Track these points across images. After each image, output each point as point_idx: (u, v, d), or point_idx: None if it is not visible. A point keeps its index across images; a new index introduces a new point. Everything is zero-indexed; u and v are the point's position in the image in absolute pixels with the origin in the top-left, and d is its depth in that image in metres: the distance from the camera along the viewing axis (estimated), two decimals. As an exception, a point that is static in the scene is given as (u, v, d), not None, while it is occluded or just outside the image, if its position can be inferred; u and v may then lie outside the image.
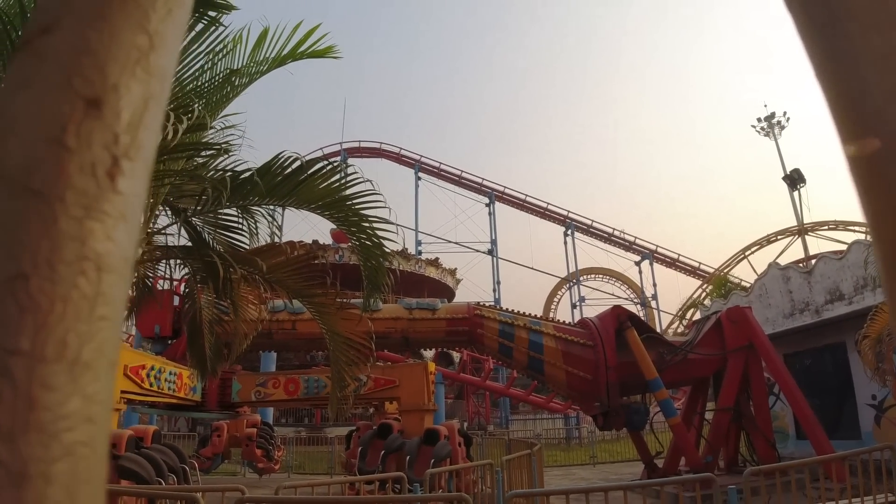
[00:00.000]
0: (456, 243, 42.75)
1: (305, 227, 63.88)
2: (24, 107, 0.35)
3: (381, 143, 47.13)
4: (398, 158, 46.28)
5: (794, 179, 33.46)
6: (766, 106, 56.01)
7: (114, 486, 6.92)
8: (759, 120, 39.87)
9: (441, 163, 45.56)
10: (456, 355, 32.82)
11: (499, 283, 41.67)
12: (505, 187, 45.12)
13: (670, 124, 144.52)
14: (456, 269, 42.04)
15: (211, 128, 4.56)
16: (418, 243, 41.84)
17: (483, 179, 45.09)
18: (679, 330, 40.46)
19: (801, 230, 34.47)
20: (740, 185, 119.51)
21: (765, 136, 39.51)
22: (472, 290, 59.75)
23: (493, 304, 29.03)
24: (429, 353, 27.40)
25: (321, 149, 44.18)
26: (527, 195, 45.22)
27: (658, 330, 24.46)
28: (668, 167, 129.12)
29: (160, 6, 0.40)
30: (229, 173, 5.19)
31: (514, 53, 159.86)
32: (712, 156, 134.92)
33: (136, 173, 0.39)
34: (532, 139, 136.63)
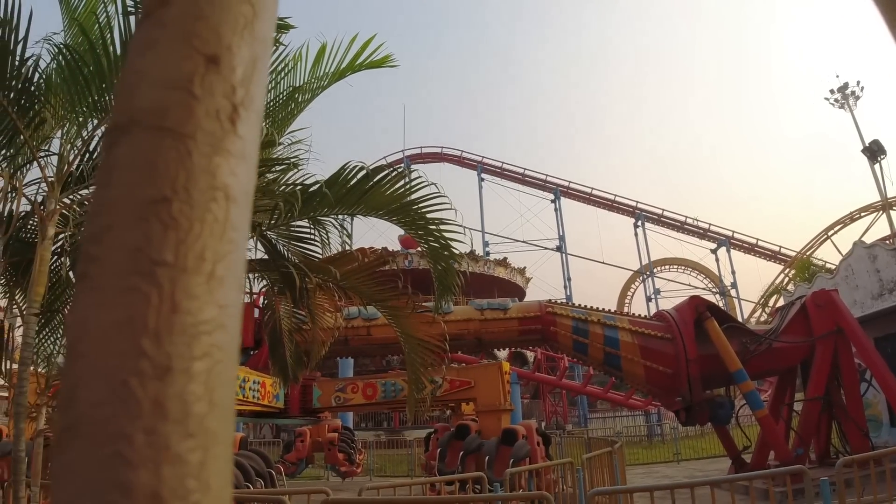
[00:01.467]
0: (523, 242, 42.53)
1: (374, 234, 65.15)
2: (152, 62, 0.41)
3: (442, 147, 47.45)
4: (460, 161, 46.45)
5: (874, 152, 31.40)
6: (837, 76, 52.70)
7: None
8: (831, 92, 37.73)
9: (503, 162, 45.47)
10: (530, 355, 32.63)
11: (569, 279, 41.16)
12: (570, 182, 44.56)
13: (740, 105, 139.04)
14: (525, 267, 41.77)
15: (279, 144, 4.73)
16: (486, 244, 41.85)
17: (547, 176, 44.68)
18: (762, 318, 38.82)
19: (885, 205, 32.30)
20: (818, 162, 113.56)
21: (839, 108, 37.34)
22: (542, 288, 59.39)
23: (564, 301, 28.72)
24: (502, 354, 27.33)
25: (384, 157, 44.92)
26: (593, 188, 44.51)
27: (739, 319, 23.52)
28: (741, 149, 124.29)
29: None
30: (299, 187, 5.37)
31: (568, 46, 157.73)
32: (786, 133, 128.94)
33: (251, 121, 0.44)
34: (595, 132, 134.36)
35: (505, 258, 39.74)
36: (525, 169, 45.04)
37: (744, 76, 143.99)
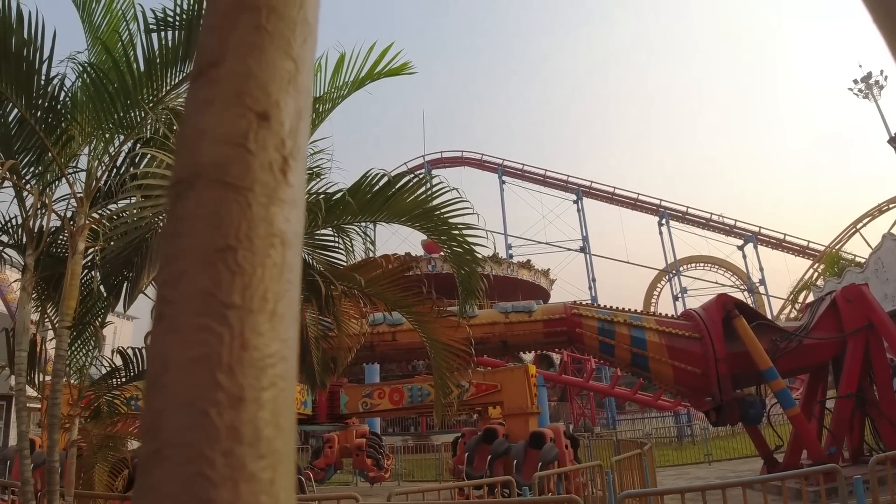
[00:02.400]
0: (546, 244, 42.35)
1: (397, 240, 65.27)
2: (210, 120, 0.46)
3: (463, 150, 47.48)
4: (480, 164, 46.44)
5: (901, 142, 30.69)
6: (860, 66, 51.52)
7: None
8: (855, 82, 36.96)
9: (524, 164, 45.34)
10: (556, 357, 32.45)
11: (594, 280, 40.88)
12: (592, 182, 44.25)
13: (764, 100, 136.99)
14: (549, 269, 41.56)
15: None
16: (508, 247, 41.76)
17: (568, 176, 44.45)
18: (791, 315, 38.14)
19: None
20: (845, 154, 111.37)
21: (863, 98, 36.58)
22: (566, 289, 58.99)
23: (589, 302, 28.52)
24: (528, 356, 27.22)
25: (405, 163, 45.10)
26: (615, 188, 44.14)
27: (769, 316, 23.14)
28: (765, 143, 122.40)
29: (298, 36, 0.51)
30: (322, 195, 5.43)
31: (587, 48, 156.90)
32: (810, 126, 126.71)
33: (299, 169, 0.49)
34: (616, 132, 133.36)
35: (528, 260, 39.60)
36: (546, 170, 44.89)
37: (767, 71, 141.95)
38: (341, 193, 4.84)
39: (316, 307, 5.42)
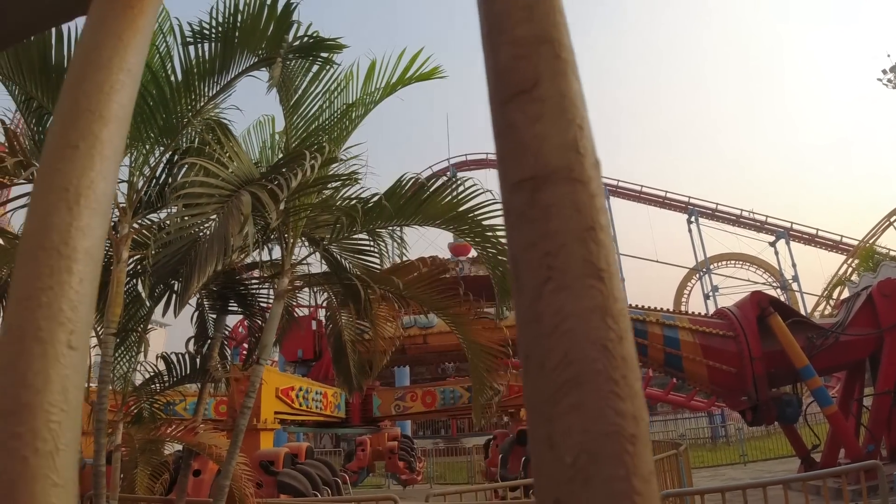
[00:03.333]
0: (574, 244, 42.05)
1: (424, 243, 65.28)
2: (545, 130, 0.58)
3: (487, 153, 47.46)
4: (506, 165, 46.28)
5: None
6: (889, 56, 50.09)
7: (274, 500, 7.44)
8: (884, 72, 36.06)
9: (550, 164, 45.04)
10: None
11: (623, 280, 40.30)
12: (619, 181, 43.87)
13: (793, 94, 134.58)
14: (576, 270, 41.20)
15: (339, 160, 4.86)
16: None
17: (595, 176, 44.07)
18: (826, 311, 37.33)
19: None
20: (876, 147, 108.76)
21: (893, 88, 35.68)
22: (594, 289, 58.36)
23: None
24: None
25: (430, 167, 45.23)
26: (643, 186, 43.68)
27: (803, 314, 22.70)
28: (793, 136, 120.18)
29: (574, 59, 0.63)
30: (354, 200, 5.50)
31: (610, 42, 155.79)
32: (839, 118, 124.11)
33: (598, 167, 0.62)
34: (641, 128, 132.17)
35: (555, 261, 39.33)
36: (572, 170, 44.54)
37: (797, 66, 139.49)
38: (377, 197, 4.90)
39: (352, 311, 5.48)
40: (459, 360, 17.03)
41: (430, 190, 4.98)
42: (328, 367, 16.18)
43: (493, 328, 5.45)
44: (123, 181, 5.73)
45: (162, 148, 5.55)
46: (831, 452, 12.53)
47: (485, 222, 5.28)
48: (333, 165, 4.86)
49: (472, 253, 33.90)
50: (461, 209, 5.17)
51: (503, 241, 5.40)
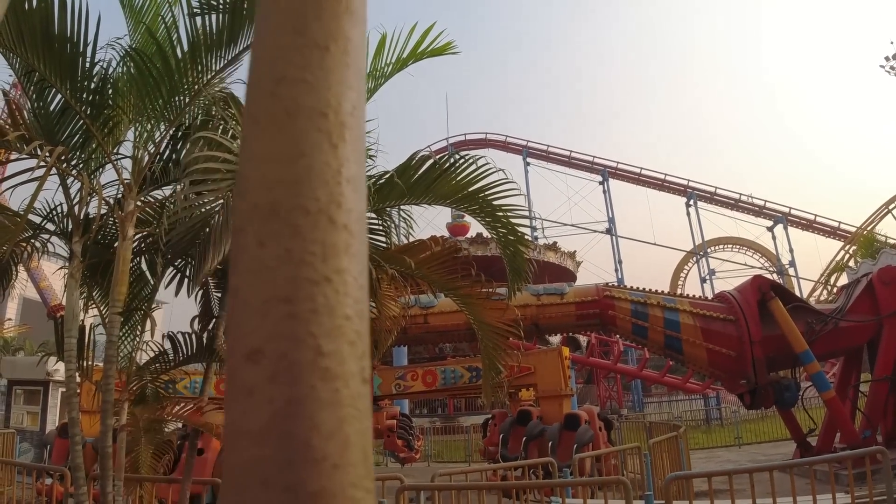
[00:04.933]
0: (572, 225, 42.05)
1: (422, 223, 65.07)
2: None
3: (487, 132, 47.20)
4: (505, 146, 46.13)
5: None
6: (892, 42, 49.78)
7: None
8: (886, 59, 35.81)
9: (549, 146, 44.92)
10: (583, 339, 32.33)
11: (620, 262, 40.54)
12: (618, 163, 43.74)
13: (789, 73, 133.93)
14: (575, 251, 41.28)
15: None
16: (534, 229, 41.52)
17: (594, 157, 43.96)
18: (822, 297, 37.49)
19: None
20: (875, 132, 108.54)
21: (895, 75, 35.45)
22: (592, 271, 58.57)
23: (615, 284, 28.28)
24: (555, 339, 27.16)
25: (428, 146, 44.91)
26: (642, 168, 43.56)
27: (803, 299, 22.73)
28: (794, 120, 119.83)
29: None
30: (370, 178, 5.40)
31: (609, 24, 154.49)
32: (839, 104, 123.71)
33: None
34: (641, 111, 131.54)
35: (555, 242, 39.35)
36: (571, 151, 44.44)
37: (798, 46, 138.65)
38: (389, 175, 4.81)
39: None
40: (458, 340, 17.04)
41: (442, 168, 4.89)
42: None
43: (505, 308, 5.40)
44: (126, 157, 5.62)
45: (166, 122, 5.44)
46: (827, 437, 12.63)
47: (496, 202, 5.20)
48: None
49: (471, 233, 33.79)
50: (472, 188, 5.09)
51: (514, 221, 5.33)
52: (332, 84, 0.58)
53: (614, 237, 41.20)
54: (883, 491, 5.52)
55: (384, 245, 5.52)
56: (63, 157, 5.24)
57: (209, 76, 5.22)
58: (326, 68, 0.57)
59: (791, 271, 42.11)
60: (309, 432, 0.51)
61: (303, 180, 0.56)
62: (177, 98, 5.30)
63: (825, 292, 38.95)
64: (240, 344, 0.55)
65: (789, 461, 9.10)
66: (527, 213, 5.25)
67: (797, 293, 38.23)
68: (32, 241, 5.97)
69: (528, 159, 44.55)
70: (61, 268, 6.01)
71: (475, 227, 35.92)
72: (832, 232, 42.11)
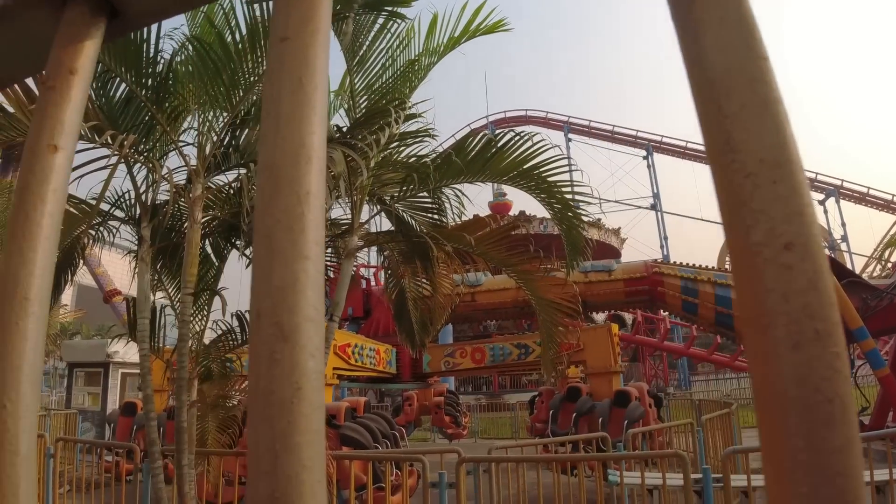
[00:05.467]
0: (616, 202, 41.46)
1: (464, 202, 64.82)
2: None
3: (527, 109, 46.72)
4: (545, 123, 45.59)
5: None
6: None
7: (340, 452, 7.67)
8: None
9: (591, 120, 44.21)
10: (629, 317, 32.03)
11: (666, 238, 39.86)
12: (662, 136, 42.79)
13: (847, 44, 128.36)
14: (619, 228, 40.73)
15: (416, 116, 4.83)
16: (577, 206, 41.03)
17: (638, 132, 43.12)
18: (876, 273, 36.25)
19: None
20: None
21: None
22: (638, 248, 57.80)
23: (661, 260, 27.86)
24: (600, 317, 26.98)
25: (468, 124, 44.74)
26: (687, 141, 42.52)
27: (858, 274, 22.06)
28: (846, 91, 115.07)
29: None
30: (413, 158, 5.48)
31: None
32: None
33: None
34: (685, 83, 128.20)
35: (598, 219, 38.87)
36: (614, 126, 43.66)
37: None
38: (447, 153, 4.88)
39: (418, 268, 5.53)
40: (504, 317, 17.09)
41: (498, 146, 4.93)
42: (378, 324, 16.44)
43: (563, 283, 5.45)
44: (189, 143, 5.81)
45: (227, 109, 5.58)
46: (881, 415, 12.37)
47: (550, 178, 5.22)
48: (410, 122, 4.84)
49: (513, 211, 33.46)
50: (527, 165, 5.11)
51: (568, 196, 5.34)
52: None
53: (659, 213, 40.50)
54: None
55: (442, 223, 5.59)
56: (133, 146, 5.46)
57: (267, 63, 5.34)
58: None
59: (843, 246, 40.76)
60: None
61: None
62: (236, 84, 5.43)
63: (879, 268, 37.62)
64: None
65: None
66: (587, 189, 5.25)
67: (851, 268, 37.13)
68: (100, 227, 6.25)
69: (570, 135, 43.97)
70: (129, 252, 6.28)
71: (518, 205, 35.81)
72: (886, 205, 40.53)
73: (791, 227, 0.27)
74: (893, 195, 40.26)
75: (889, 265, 33.35)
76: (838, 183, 41.32)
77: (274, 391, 0.29)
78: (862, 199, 41.28)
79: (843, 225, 41.03)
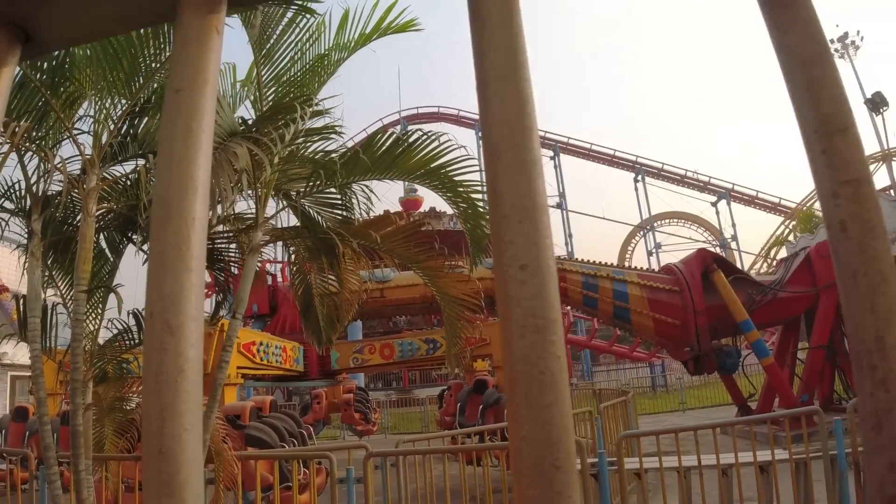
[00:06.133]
0: (524, 200, 42.42)
1: (373, 198, 64.44)
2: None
3: (439, 106, 47.10)
4: (457, 120, 46.15)
5: (877, 103, 31.32)
6: (837, 26, 51.93)
7: (244, 452, 7.54)
8: (831, 41, 37.29)
9: (501, 120, 44.98)
10: (534, 311, 32.97)
11: (570, 235, 41.38)
12: (569, 138, 44.34)
13: (736, 57, 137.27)
14: (526, 226, 41.67)
15: (323, 113, 4.82)
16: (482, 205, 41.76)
17: (546, 132, 44.40)
18: (762, 270, 39.17)
19: (886, 156, 32.44)
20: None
21: (839, 58, 36.98)
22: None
23: (566, 257, 28.93)
24: (508, 311, 27.63)
25: (380, 119, 44.61)
26: (592, 144, 44.30)
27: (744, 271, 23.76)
28: (736, 101, 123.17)
29: None
30: (320, 154, 5.49)
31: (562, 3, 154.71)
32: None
33: None
34: (592, 89, 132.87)
35: (506, 217, 39.72)
36: (523, 126, 44.62)
37: (744, 24, 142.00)
38: (354, 151, 4.92)
39: (323, 265, 5.53)
40: (414, 313, 17.23)
41: (406, 144, 5.03)
42: (284, 321, 16.15)
43: (467, 280, 5.61)
44: (85, 132, 5.53)
45: (127, 97, 5.37)
46: (766, 401, 13.42)
47: (456, 177, 5.37)
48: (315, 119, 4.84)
49: (423, 208, 33.58)
50: (434, 165, 5.23)
51: (474, 196, 5.51)
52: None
53: (565, 211, 41.94)
54: (818, 448, 5.99)
55: (348, 219, 5.63)
56: (25, 133, 5.14)
57: (170, 51, 5.18)
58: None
59: (733, 245, 43.76)
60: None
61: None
62: (137, 71, 5.24)
63: (765, 265, 40.66)
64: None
65: (732, 419, 9.69)
66: (483, 189, 5.42)
67: (739, 266, 39.90)
68: (-13, 220, 5.84)
69: (480, 133, 44.57)
70: (19, 246, 5.91)
71: (427, 202, 36.07)
72: (773, 208, 43.86)
73: (528, 254, 0.39)
74: (780, 199, 43.61)
75: (774, 263, 36.03)
76: (729, 186, 44.26)
77: (163, 372, 0.37)
78: (751, 201, 44.44)
79: (734, 225, 44.01)
